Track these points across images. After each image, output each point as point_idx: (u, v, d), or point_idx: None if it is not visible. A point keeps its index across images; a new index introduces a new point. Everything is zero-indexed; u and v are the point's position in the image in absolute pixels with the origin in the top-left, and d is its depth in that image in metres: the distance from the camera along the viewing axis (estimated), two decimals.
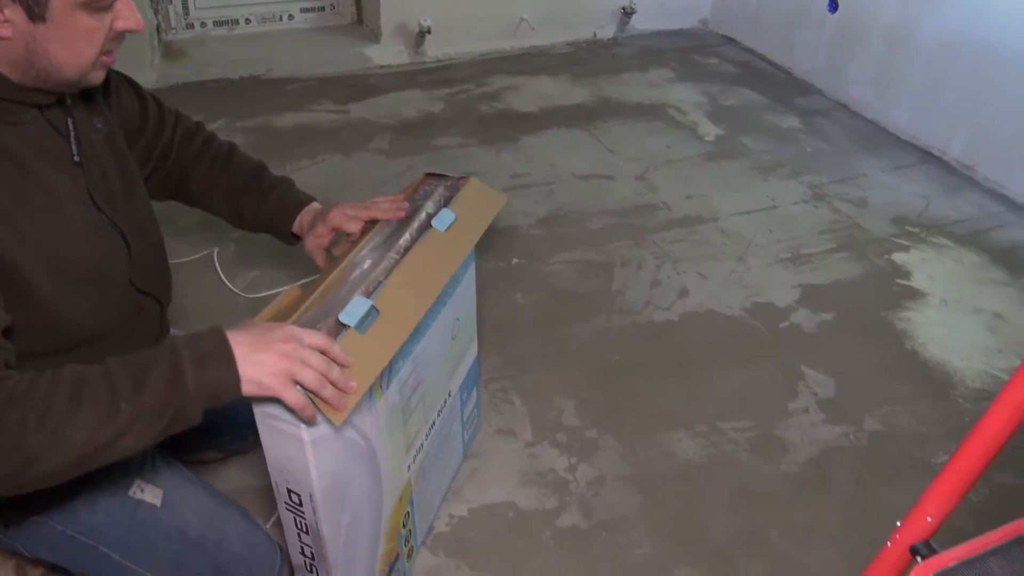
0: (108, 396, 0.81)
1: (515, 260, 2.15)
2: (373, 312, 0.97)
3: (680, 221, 2.35)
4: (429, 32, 3.22)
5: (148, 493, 1.13)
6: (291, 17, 3.40)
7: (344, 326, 0.94)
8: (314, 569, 1.08)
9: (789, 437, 1.67)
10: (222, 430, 1.44)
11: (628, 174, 2.58)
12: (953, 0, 2.62)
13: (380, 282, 1.03)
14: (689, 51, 3.54)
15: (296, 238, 1.32)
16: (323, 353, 0.89)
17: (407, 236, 1.12)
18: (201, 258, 2.08)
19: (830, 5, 3.08)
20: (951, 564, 0.60)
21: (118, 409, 0.81)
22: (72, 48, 0.90)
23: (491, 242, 2.20)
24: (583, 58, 3.45)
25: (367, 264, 1.07)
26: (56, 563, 1.18)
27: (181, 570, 1.14)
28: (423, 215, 1.17)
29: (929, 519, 0.68)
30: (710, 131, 2.87)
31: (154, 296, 1.16)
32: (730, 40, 3.66)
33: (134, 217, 1.11)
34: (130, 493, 1.11)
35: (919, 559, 0.64)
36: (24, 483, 0.81)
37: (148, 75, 2.96)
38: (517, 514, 1.48)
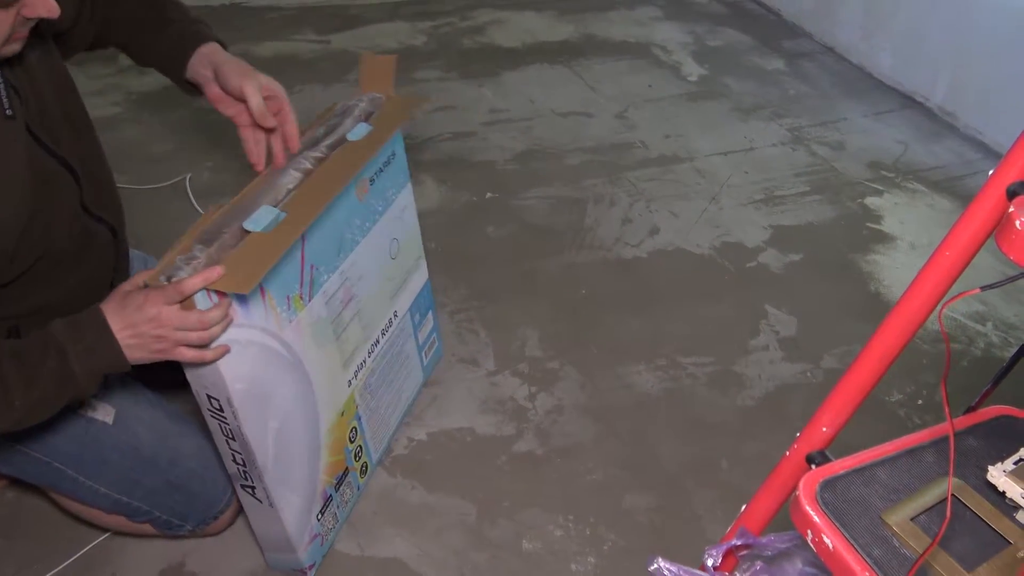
0: (2, 394, 0.89)
1: (489, 194, 2.15)
2: (280, 216, 1.00)
3: (656, 160, 2.35)
4: None
5: (100, 411, 1.15)
6: None
7: (247, 232, 0.97)
8: (248, 476, 1.11)
9: (748, 373, 1.70)
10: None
11: (608, 112, 2.57)
12: None
13: (289, 191, 1.06)
14: None
15: (194, 88, 1.20)
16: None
17: (322, 149, 1.14)
18: (173, 184, 2.08)
19: None
20: (841, 471, 0.63)
21: (12, 405, 0.90)
22: None
23: (465, 176, 2.20)
24: None
25: (280, 177, 1.09)
26: (13, 475, 1.22)
27: (134, 485, 1.17)
28: (339, 131, 1.18)
29: (825, 429, 0.71)
30: (693, 71, 2.85)
31: (106, 223, 1.15)
32: None
33: (79, 146, 1.09)
34: (81, 411, 1.14)
35: (813, 467, 0.67)
36: None
37: None
38: (475, 439, 1.51)
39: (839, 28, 3.02)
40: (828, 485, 0.64)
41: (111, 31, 1.19)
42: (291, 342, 1.08)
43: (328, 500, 1.23)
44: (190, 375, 1.00)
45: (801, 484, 0.64)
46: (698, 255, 2.01)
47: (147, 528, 1.23)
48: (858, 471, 0.64)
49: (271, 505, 1.13)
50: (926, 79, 2.70)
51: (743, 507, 0.85)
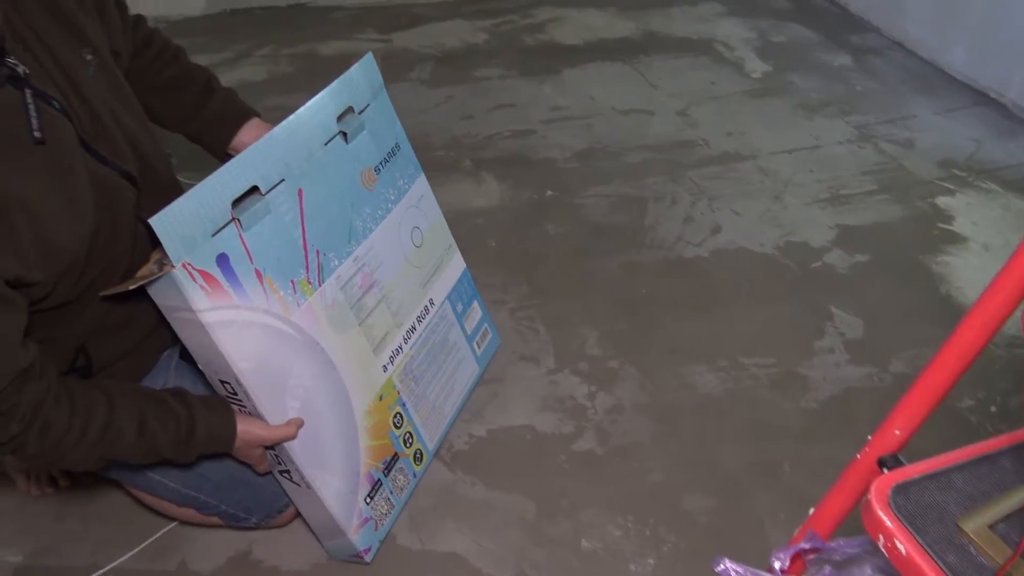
0: (131, 454, 1.03)
1: (549, 192, 2.16)
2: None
3: (718, 158, 2.32)
4: None
5: None
6: None
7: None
8: (279, 460, 1.14)
9: (811, 375, 1.67)
10: None
11: (669, 109, 2.54)
12: None
13: None
14: None
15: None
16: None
17: None
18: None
19: None
20: (915, 476, 0.61)
21: (140, 458, 1.05)
22: None
23: (525, 174, 2.21)
24: None
25: None
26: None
27: (202, 480, 1.20)
28: None
29: (898, 432, 0.69)
30: (757, 68, 2.80)
31: None
32: None
33: (139, 149, 1.08)
34: None
35: (885, 470, 0.66)
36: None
37: (197, 1, 2.99)
38: (535, 436, 1.52)
39: (909, 22, 2.94)
40: (901, 490, 0.63)
41: (146, 94, 1.22)
42: (303, 325, 1.10)
43: (377, 484, 1.24)
44: (200, 363, 1.04)
45: (873, 488, 0.63)
46: (761, 254, 1.98)
47: (215, 520, 1.27)
48: (932, 476, 0.63)
49: (308, 487, 1.14)
50: (1001, 74, 2.61)
51: (811, 510, 0.83)
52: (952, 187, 2.25)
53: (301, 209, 1.11)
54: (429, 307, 1.37)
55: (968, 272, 1.94)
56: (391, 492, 1.29)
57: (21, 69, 0.90)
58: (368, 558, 1.26)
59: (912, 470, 0.63)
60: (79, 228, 0.94)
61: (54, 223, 0.90)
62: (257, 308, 1.04)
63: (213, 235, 0.99)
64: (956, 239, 2.05)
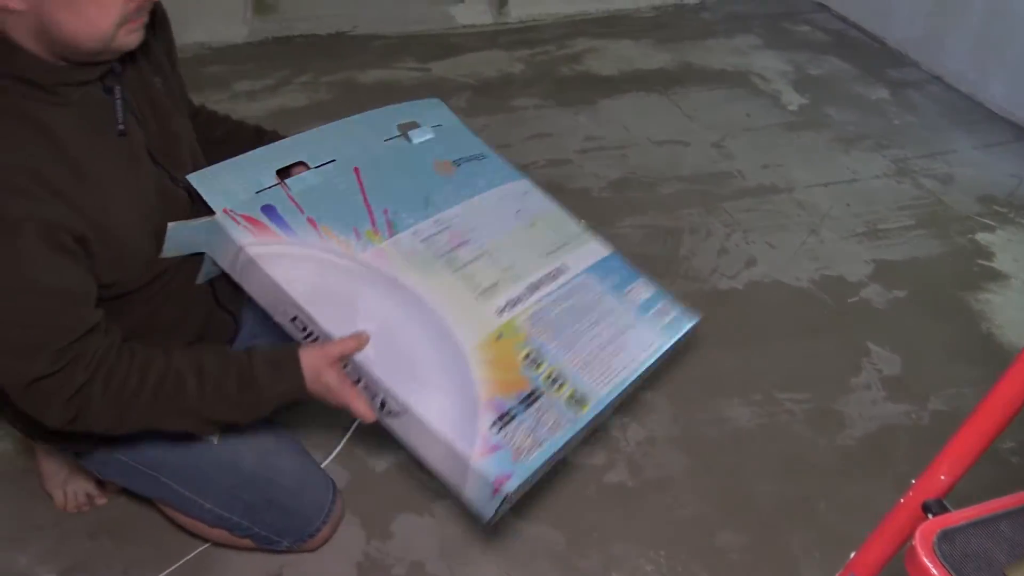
0: (198, 413, 1.01)
1: (583, 222, 2.15)
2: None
3: (754, 190, 2.31)
4: None
5: None
6: None
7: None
8: (368, 389, 1.05)
9: (848, 412, 1.65)
10: None
11: (704, 141, 2.54)
12: None
13: None
14: (779, 17, 3.44)
15: None
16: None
17: None
18: None
19: None
20: (961, 523, 0.60)
21: (206, 421, 1.03)
22: (81, 16, 0.85)
23: (560, 204, 2.21)
24: (667, 22, 3.39)
25: None
26: (124, 486, 1.28)
27: (235, 501, 1.21)
28: None
29: (943, 477, 0.68)
30: (793, 100, 2.80)
31: None
32: (823, 7, 3.54)
33: (197, 166, 1.13)
34: None
35: (930, 516, 0.64)
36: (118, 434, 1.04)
37: (240, 29, 3.06)
38: (565, 467, 1.51)
39: (948, 56, 2.92)
40: (947, 536, 0.62)
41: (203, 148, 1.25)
42: (374, 264, 1.11)
43: (507, 415, 1.08)
44: (274, 314, 1.06)
45: (918, 534, 0.62)
46: (797, 288, 1.97)
47: (247, 542, 1.27)
48: (979, 523, 0.61)
49: (406, 409, 1.02)
50: None
51: (851, 554, 0.82)
52: (992, 223, 2.22)
53: (359, 181, 1.15)
54: (559, 272, 1.30)
55: (1009, 310, 1.90)
56: (535, 427, 1.10)
57: (117, 67, 0.98)
58: (509, 487, 0.99)
59: (958, 516, 0.61)
60: (141, 223, 1.00)
61: (120, 208, 0.96)
62: (311, 246, 1.06)
63: (257, 192, 1.05)
64: (997, 276, 2.02)
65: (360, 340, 1.00)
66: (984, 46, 2.77)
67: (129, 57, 1.01)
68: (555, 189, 2.27)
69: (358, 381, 1.04)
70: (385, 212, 1.15)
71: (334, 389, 1.01)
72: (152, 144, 1.04)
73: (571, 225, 1.41)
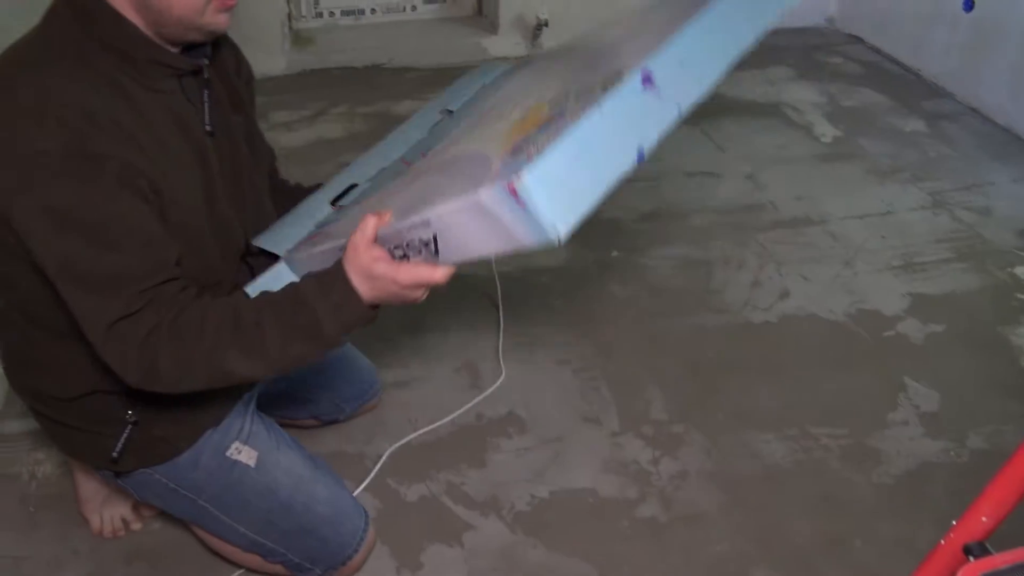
0: (261, 347, 0.94)
1: (614, 252, 2.16)
2: None
3: (787, 222, 2.30)
4: (546, 25, 3.25)
5: (245, 454, 1.21)
6: (414, 8, 3.49)
7: None
8: (411, 247, 0.93)
9: (884, 448, 1.62)
10: (321, 402, 1.53)
11: (737, 172, 2.54)
12: None
13: None
14: (812, 49, 3.44)
15: None
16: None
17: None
18: None
19: (965, 3, 2.93)
20: (1003, 566, 0.59)
21: (269, 356, 0.94)
22: None
23: (591, 234, 2.22)
24: None
25: None
26: (162, 508, 1.29)
27: (270, 527, 1.22)
28: None
29: (984, 519, 0.67)
30: (827, 132, 2.79)
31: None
32: (857, 39, 3.53)
33: (253, 199, 1.18)
34: (228, 453, 1.20)
35: (971, 559, 0.63)
36: (188, 391, 0.99)
37: (278, 61, 3.12)
38: (597, 500, 1.50)
39: (984, 88, 2.90)
40: None
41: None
42: (424, 163, 1.11)
43: (526, 140, 0.86)
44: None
45: None
46: (831, 321, 1.95)
47: (279, 569, 1.28)
48: (1021, 567, 0.60)
49: (431, 222, 0.86)
50: None
51: None
52: None
53: (408, 164, 1.17)
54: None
55: None
56: (559, 127, 0.83)
57: (206, 72, 1.05)
58: (518, 179, 0.74)
59: (1000, 560, 0.60)
60: (203, 218, 1.04)
61: (188, 193, 1.01)
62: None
63: (316, 225, 1.10)
64: None
65: (378, 214, 0.92)
66: (1021, 78, 2.75)
67: (218, 81, 1.09)
68: (586, 219, 2.28)
69: (406, 257, 0.93)
70: (421, 154, 1.16)
71: (384, 273, 0.90)
72: (221, 158, 1.09)
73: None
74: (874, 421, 1.68)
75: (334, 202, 1.15)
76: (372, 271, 0.90)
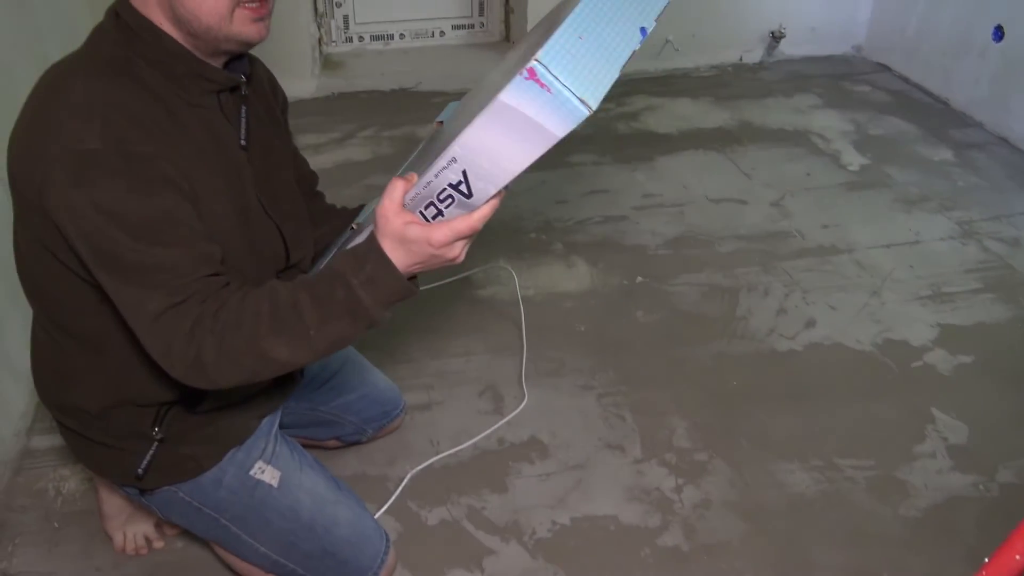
0: (300, 328, 0.92)
1: (639, 279, 2.16)
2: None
3: (813, 250, 2.29)
4: None
5: (268, 474, 1.22)
6: (442, 33, 3.54)
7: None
8: (444, 202, 0.92)
9: (912, 481, 1.60)
10: (344, 423, 1.53)
11: (763, 199, 2.53)
12: None
13: None
14: (839, 78, 3.43)
15: None
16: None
17: None
18: None
19: (995, 33, 2.92)
20: None
21: (308, 335, 0.93)
22: None
23: (616, 260, 2.22)
24: (726, 81, 3.41)
25: None
26: (184, 527, 1.30)
27: (292, 548, 1.22)
28: None
29: (1018, 558, 0.65)
30: (854, 160, 2.77)
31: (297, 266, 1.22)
32: (884, 68, 3.52)
33: (292, 215, 1.19)
34: (251, 473, 1.21)
35: None
36: (235, 383, 0.97)
37: (308, 84, 3.16)
38: (619, 528, 1.49)
39: (1014, 118, 2.88)
40: None
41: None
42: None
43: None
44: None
45: None
46: (858, 351, 1.93)
47: None
48: None
49: (456, 158, 0.86)
50: None
51: None
52: None
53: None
54: None
55: None
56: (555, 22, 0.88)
57: (244, 88, 1.08)
58: (542, 62, 0.76)
59: None
60: (232, 229, 1.04)
61: (220, 205, 1.02)
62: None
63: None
64: None
65: (403, 177, 0.92)
66: None
67: (255, 100, 1.12)
68: (611, 245, 2.29)
69: (440, 213, 0.92)
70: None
71: (418, 236, 0.89)
72: (257, 176, 1.11)
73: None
74: (901, 453, 1.66)
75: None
76: (405, 235, 0.89)
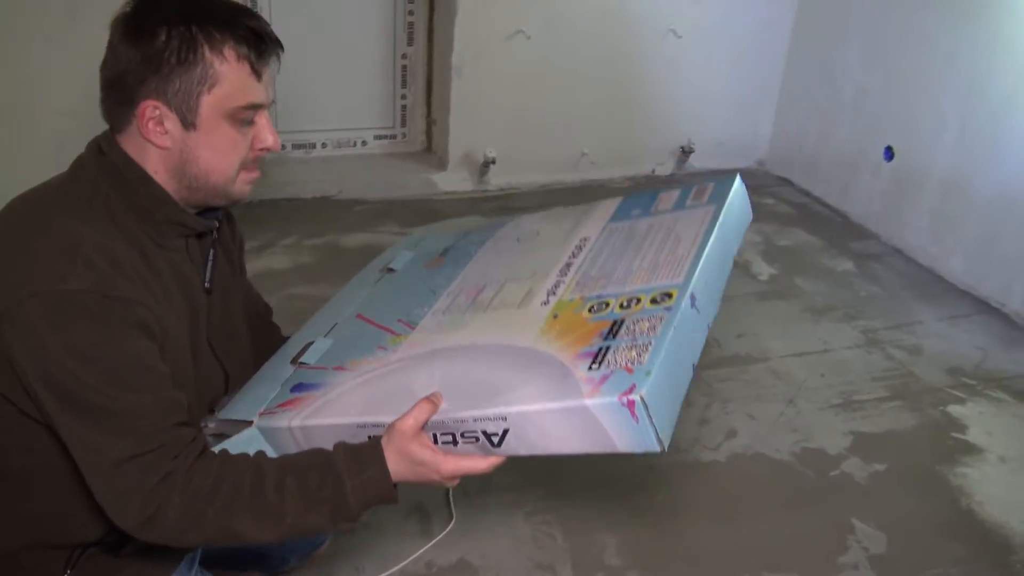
0: (278, 512, 0.92)
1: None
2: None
3: (730, 359, 2.36)
4: (494, 163, 3.37)
5: None
6: (364, 143, 3.58)
7: None
8: (464, 437, 0.95)
9: None
10: (269, 557, 1.47)
11: None
12: (1010, 153, 2.66)
13: None
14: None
15: None
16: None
17: None
18: None
19: (886, 153, 3.15)
20: None
21: (284, 522, 0.93)
22: (218, 153, 0.98)
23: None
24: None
25: None
26: None
27: None
28: None
29: None
30: (764, 270, 2.90)
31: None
32: (787, 181, 3.74)
33: (239, 358, 1.18)
34: None
35: None
36: (188, 545, 0.98)
37: None
38: None
39: (908, 231, 3.08)
40: None
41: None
42: (411, 352, 1.08)
43: (598, 352, 0.95)
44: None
45: None
46: (778, 460, 1.97)
47: None
48: None
49: (506, 417, 0.91)
50: (1000, 285, 2.71)
51: None
52: (962, 395, 2.27)
53: (366, 319, 1.19)
54: (583, 243, 1.22)
55: (987, 486, 1.91)
56: (634, 340, 0.96)
57: (215, 234, 1.10)
58: (639, 393, 0.84)
59: None
60: (187, 370, 1.03)
61: (179, 348, 1.01)
62: (348, 381, 1.05)
63: (282, 384, 1.09)
64: (972, 450, 2.05)
65: (431, 401, 0.93)
66: (941, 222, 2.93)
67: (219, 243, 1.13)
68: None
69: (454, 443, 0.95)
70: (399, 320, 1.16)
71: (428, 462, 0.92)
72: (211, 319, 1.10)
73: (572, 212, 1.35)
74: (827, 565, 1.68)
75: (294, 360, 1.15)
76: (414, 456, 0.92)
